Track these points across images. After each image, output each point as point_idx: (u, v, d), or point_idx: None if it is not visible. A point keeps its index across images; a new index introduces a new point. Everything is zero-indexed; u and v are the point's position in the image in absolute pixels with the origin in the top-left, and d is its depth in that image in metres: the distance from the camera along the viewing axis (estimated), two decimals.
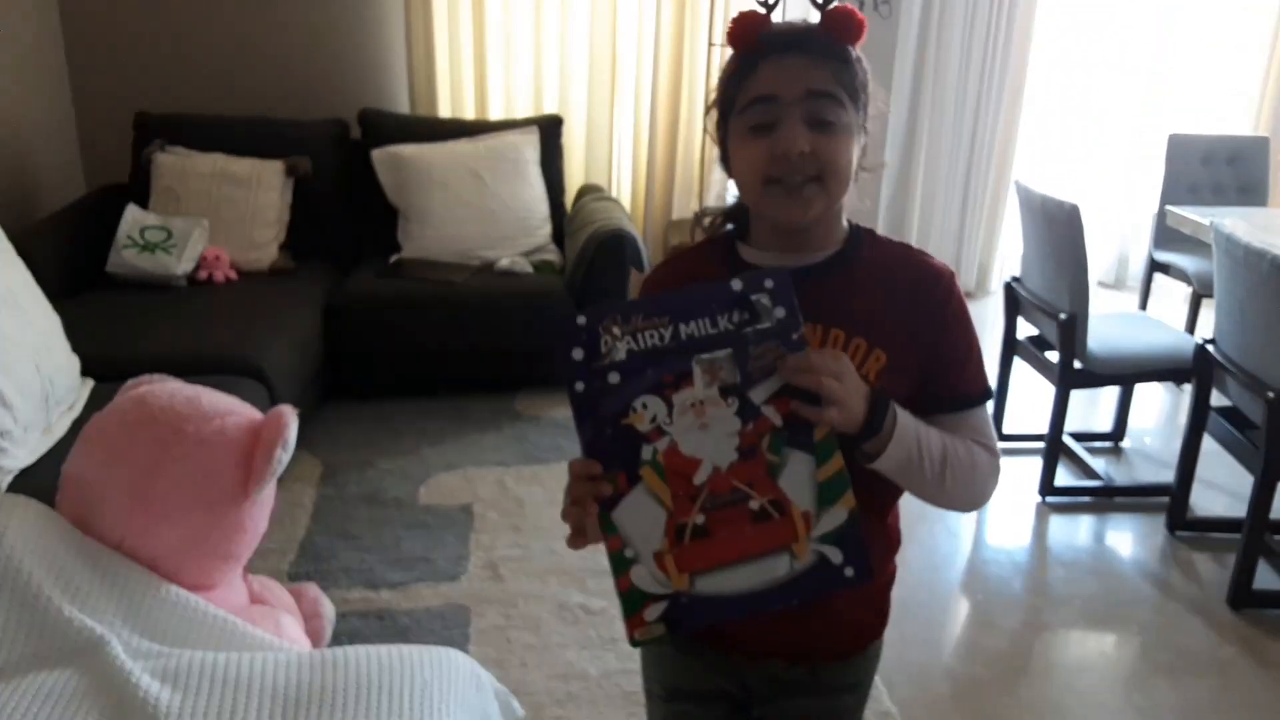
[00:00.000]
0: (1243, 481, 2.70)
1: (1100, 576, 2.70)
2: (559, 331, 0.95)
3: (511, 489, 2.97)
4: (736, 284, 0.95)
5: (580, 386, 0.94)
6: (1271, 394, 2.41)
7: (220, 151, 3.73)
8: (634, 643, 0.99)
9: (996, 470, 1.10)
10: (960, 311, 1.10)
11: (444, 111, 4.27)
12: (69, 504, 1.58)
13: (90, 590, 1.45)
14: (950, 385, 1.09)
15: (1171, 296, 4.94)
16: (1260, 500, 2.48)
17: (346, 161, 3.92)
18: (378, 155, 3.82)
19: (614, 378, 0.94)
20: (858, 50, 1.06)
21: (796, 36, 1.04)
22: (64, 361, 2.38)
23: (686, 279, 1.12)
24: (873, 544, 1.13)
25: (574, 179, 4.34)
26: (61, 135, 4.08)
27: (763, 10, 1.07)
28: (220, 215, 3.63)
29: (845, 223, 1.12)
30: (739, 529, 0.96)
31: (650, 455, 0.95)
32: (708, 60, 4.24)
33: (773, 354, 0.94)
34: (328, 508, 2.84)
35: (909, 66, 4.68)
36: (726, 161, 1.11)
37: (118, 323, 3.04)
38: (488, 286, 3.54)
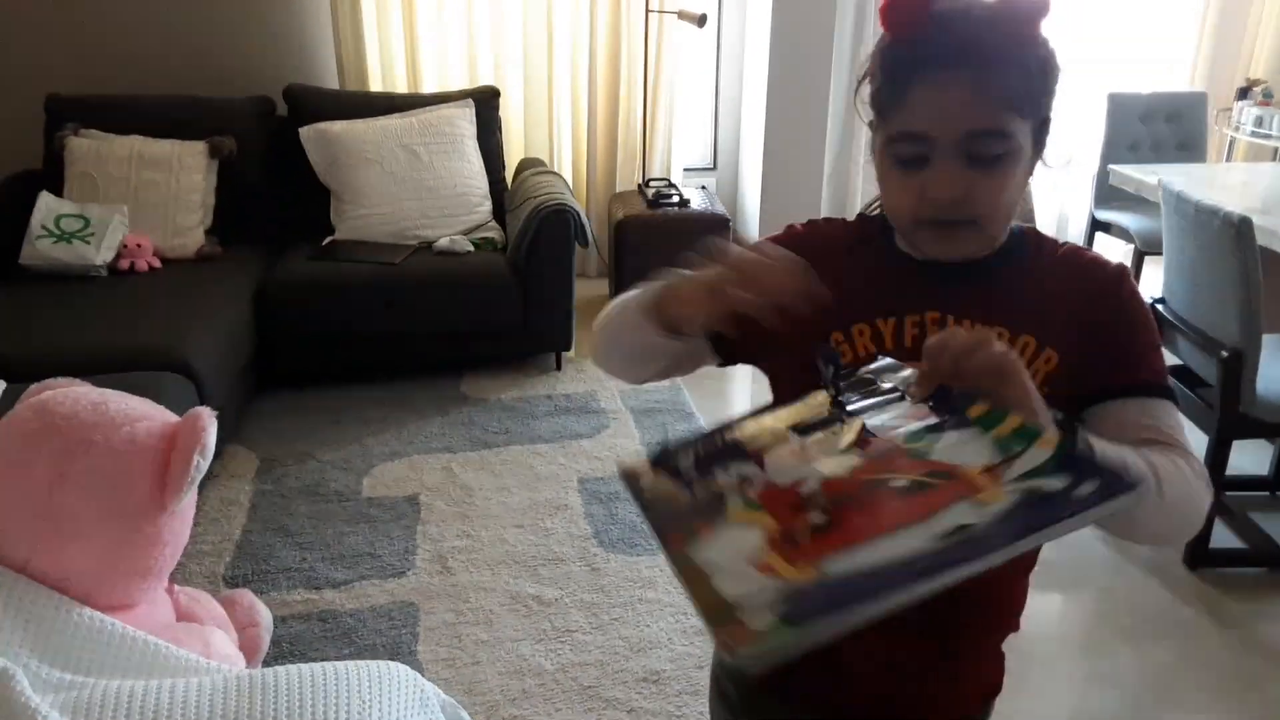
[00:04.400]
0: (1196, 441, 2.68)
1: (1054, 541, 2.67)
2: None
3: (459, 476, 2.86)
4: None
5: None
6: (1225, 352, 2.39)
7: (138, 134, 3.55)
8: (735, 660, 0.62)
9: (1205, 475, 0.91)
10: (1139, 308, 0.98)
11: (375, 85, 4.10)
12: None
13: None
14: (1133, 371, 0.96)
15: (1111, 254, 4.95)
16: (1216, 459, 2.47)
17: (273, 141, 3.75)
18: (305, 133, 3.65)
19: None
20: (1041, 25, 0.90)
21: (962, 45, 0.87)
22: None
23: (828, 249, 1.02)
24: (1014, 598, 1.04)
25: (513, 153, 4.21)
26: None
27: None
28: (141, 201, 3.45)
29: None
30: (884, 505, 0.72)
31: (737, 501, 0.77)
32: (645, 26, 4.11)
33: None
34: (265, 504, 2.72)
35: (847, 38, 4.61)
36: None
37: (31, 318, 2.88)
38: (427, 266, 3.42)
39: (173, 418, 1.61)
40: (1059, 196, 5.32)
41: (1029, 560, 1.02)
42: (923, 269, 0.99)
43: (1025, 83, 0.89)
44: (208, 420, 1.56)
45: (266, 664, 2.01)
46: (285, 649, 2.13)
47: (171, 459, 1.53)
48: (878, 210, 1.04)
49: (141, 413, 1.58)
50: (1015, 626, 1.08)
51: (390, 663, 1.46)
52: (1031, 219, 2.97)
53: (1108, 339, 0.97)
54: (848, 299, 0.98)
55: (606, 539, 2.53)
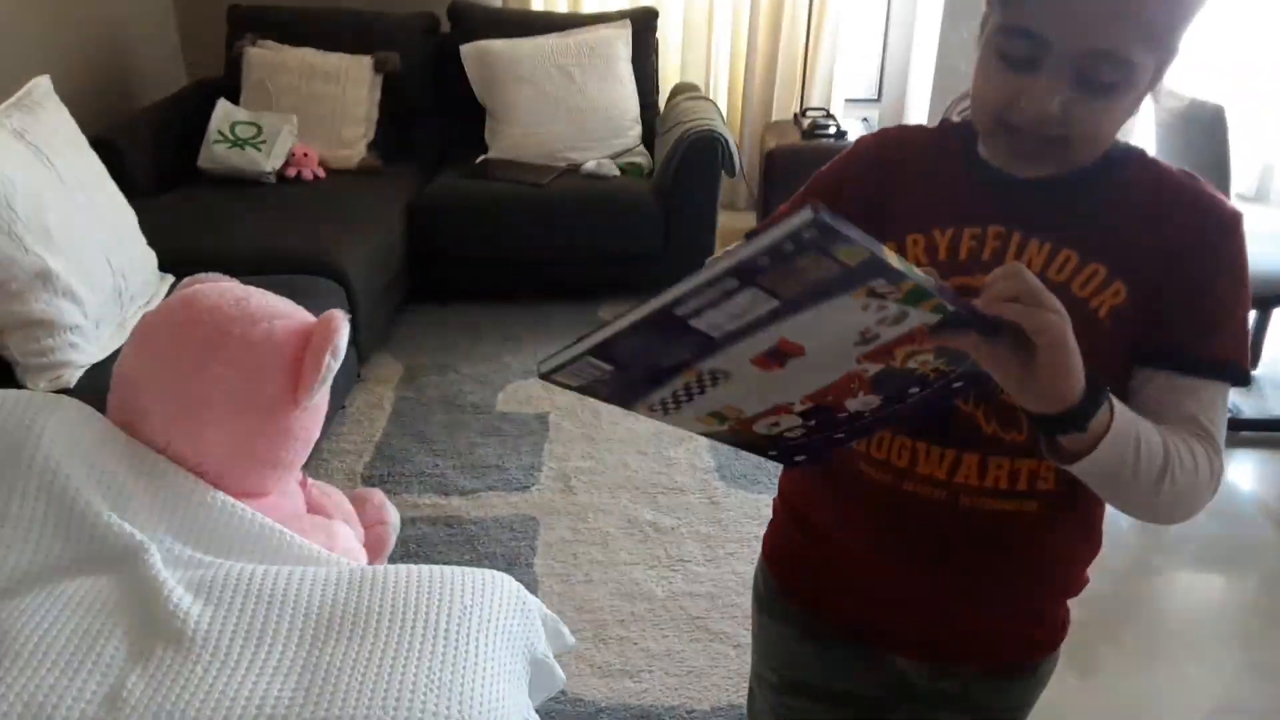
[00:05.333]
0: None
1: (1218, 517, 2.47)
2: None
3: (589, 399, 2.88)
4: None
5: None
6: None
7: (310, 46, 3.66)
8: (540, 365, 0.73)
9: (1219, 477, 0.85)
10: (1238, 263, 0.87)
11: (537, 4, 4.09)
12: (117, 405, 1.56)
13: (132, 495, 1.42)
14: (1199, 342, 0.86)
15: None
16: None
17: (436, 57, 3.80)
18: (467, 50, 3.69)
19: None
20: None
21: None
22: (139, 255, 2.37)
23: (898, 160, 0.97)
24: (1075, 546, 0.99)
25: (668, 77, 4.13)
26: (161, 28, 4.07)
27: None
28: (309, 112, 3.57)
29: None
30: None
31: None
32: None
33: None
34: (406, 410, 2.82)
35: None
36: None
37: (203, 218, 3.04)
38: (573, 189, 3.42)
39: (311, 318, 1.67)
40: (1265, 143, 4.82)
41: (1087, 497, 0.90)
42: (1000, 178, 0.91)
43: (1169, 11, 0.79)
44: (341, 322, 1.60)
45: (391, 560, 2.10)
46: (411, 549, 2.22)
47: (305, 357, 1.59)
48: (964, 113, 0.95)
49: (281, 310, 1.64)
50: (1077, 582, 1.01)
51: (496, 573, 1.49)
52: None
53: (1191, 293, 0.86)
54: (911, 209, 0.93)
55: (729, 473, 2.50)
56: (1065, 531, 0.97)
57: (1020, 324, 0.70)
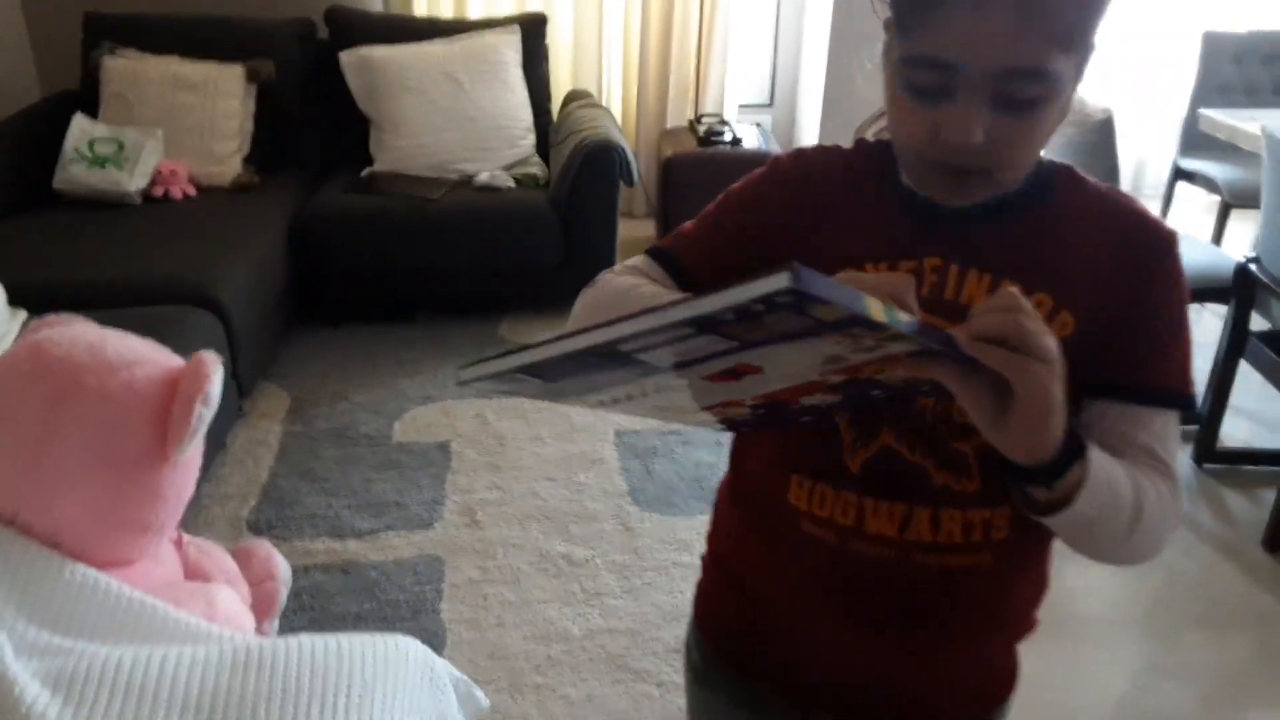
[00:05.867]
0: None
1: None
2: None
3: (492, 424, 2.75)
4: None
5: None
6: None
7: (175, 54, 3.42)
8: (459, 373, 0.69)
9: (1181, 505, 0.82)
10: (1178, 285, 0.83)
11: (419, 9, 3.93)
12: None
13: None
14: (1147, 371, 0.82)
15: (1193, 206, 4.65)
16: None
17: (314, 65, 3.61)
18: (346, 58, 3.50)
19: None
20: None
21: None
22: None
23: (822, 184, 0.90)
24: (1020, 596, 0.92)
25: (560, 85, 4.02)
26: (10, 36, 3.75)
27: None
28: (176, 125, 3.34)
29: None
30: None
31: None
32: None
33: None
34: (294, 446, 2.64)
35: None
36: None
37: (60, 245, 2.80)
38: (466, 202, 3.27)
39: (177, 361, 1.50)
40: (1138, 141, 5.01)
41: (1034, 553, 0.90)
42: (928, 207, 0.84)
43: (1079, 11, 0.73)
44: (211, 367, 1.44)
45: (285, 617, 1.94)
46: (305, 601, 2.05)
47: (173, 407, 1.43)
48: (881, 133, 0.89)
49: (142, 356, 1.46)
50: (1028, 626, 0.95)
51: (400, 638, 1.36)
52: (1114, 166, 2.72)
53: (1136, 319, 0.82)
54: (839, 242, 0.86)
55: (642, 497, 2.40)
56: (1020, 577, 0.91)
57: (1001, 372, 0.63)
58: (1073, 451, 0.69)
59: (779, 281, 0.48)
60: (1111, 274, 0.82)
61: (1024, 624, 0.95)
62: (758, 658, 0.97)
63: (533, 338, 3.26)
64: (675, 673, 1.89)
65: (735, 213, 0.94)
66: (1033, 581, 0.93)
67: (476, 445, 2.65)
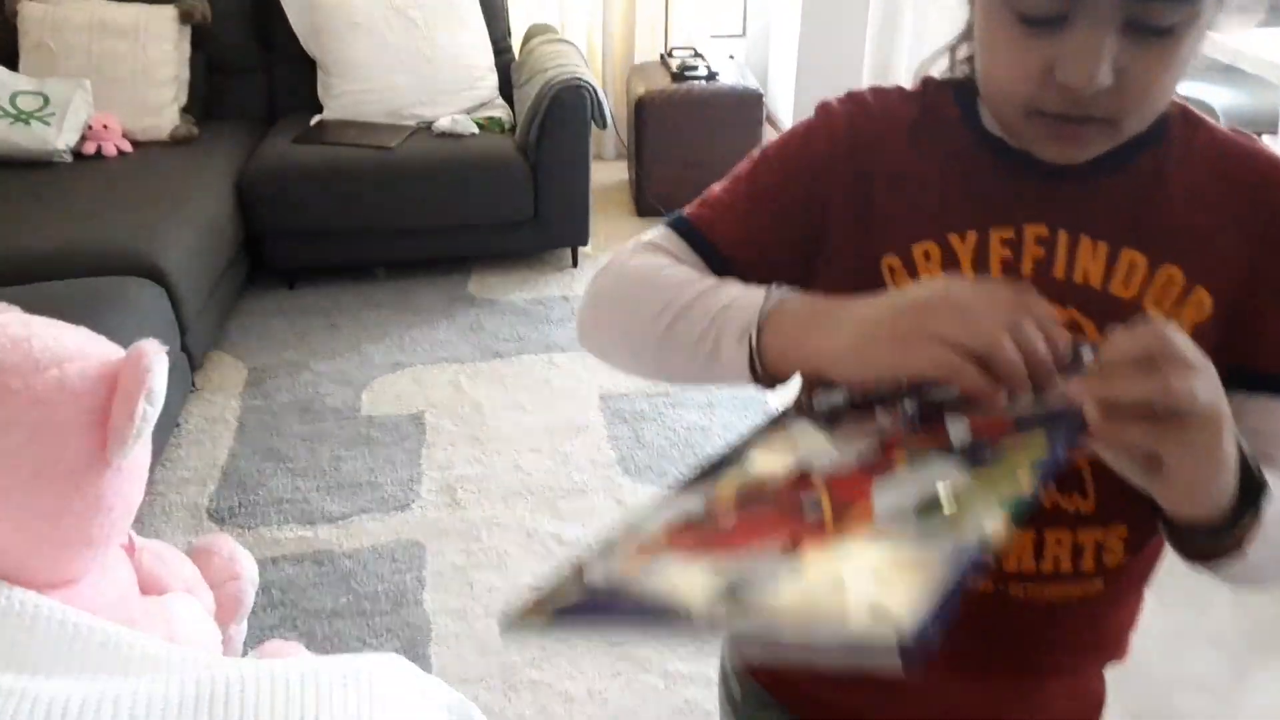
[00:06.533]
0: None
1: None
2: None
3: (467, 391, 2.58)
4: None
5: None
6: None
7: None
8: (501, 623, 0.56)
9: None
10: None
11: None
12: None
13: None
14: None
15: None
16: None
17: (253, 4, 3.33)
18: None
19: None
20: None
21: None
22: None
23: (883, 135, 0.73)
24: (1121, 619, 0.80)
25: (519, 18, 3.76)
26: None
27: None
28: (105, 75, 3.07)
29: None
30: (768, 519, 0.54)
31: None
32: None
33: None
34: (254, 423, 2.45)
35: None
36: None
37: None
38: (427, 151, 3.05)
39: (116, 353, 1.32)
40: None
41: (1143, 575, 0.77)
42: (1026, 161, 0.68)
43: None
44: (154, 358, 1.26)
45: (255, 615, 1.78)
46: (275, 597, 1.89)
47: (113, 406, 1.25)
48: (956, 70, 0.73)
49: (74, 350, 1.27)
50: (1123, 650, 0.82)
51: (385, 657, 1.21)
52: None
53: None
54: (912, 208, 0.70)
55: (632, 466, 2.25)
56: (1128, 602, 0.78)
57: (1155, 452, 0.51)
58: (1249, 503, 0.56)
59: (887, 652, 0.37)
60: (1257, 239, 0.67)
61: (1121, 648, 0.82)
62: (811, 699, 0.84)
63: (505, 294, 3.08)
64: (681, 662, 1.76)
65: (777, 177, 0.76)
66: (1134, 602, 0.80)
67: (452, 415, 2.48)
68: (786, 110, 4.06)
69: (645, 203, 3.55)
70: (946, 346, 0.52)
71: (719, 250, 0.75)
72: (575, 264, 3.25)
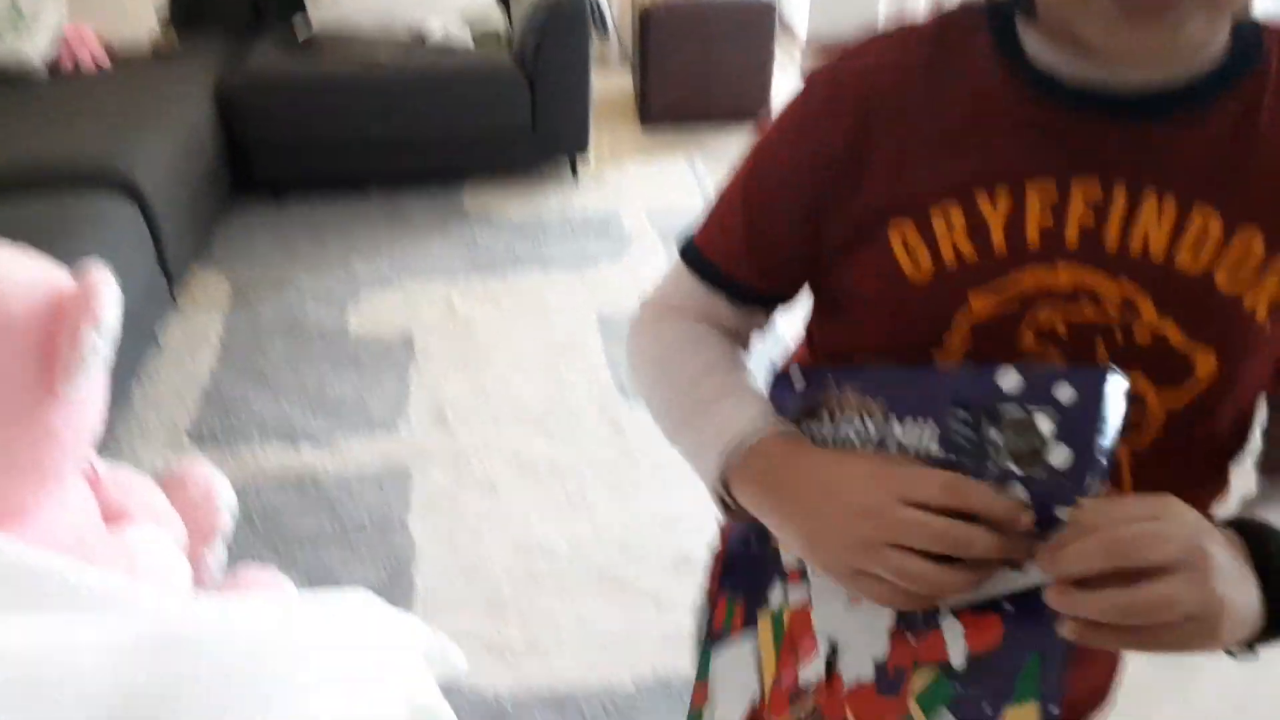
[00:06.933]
0: None
1: None
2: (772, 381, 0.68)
3: (459, 309, 2.50)
4: (1010, 379, 0.53)
5: None
6: None
7: None
8: None
9: None
10: None
11: None
12: None
13: None
14: None
15: None
16: None
17: None
18: None
19: None
20: None
21: None
22: None
23: (890, 87, 0.61)
24: (1106, 674, 0.79)
25: None
26: None
27: None
28: None
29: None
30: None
31: (778, 602, 0.65)
32: None
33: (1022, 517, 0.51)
34: (237, 342, 2.38)
35: None
36: None
37: None
38: (421, 67, 2.89)
39: (64, 280, 1.23)
40: None
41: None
42: (1077, 94, 0.57)
43: None
44: (102, 286, 1.17)
45: (236, 542, 1.73)
46: (257, 525, 1.84)
47: (59, 334, 1.17)
48: None
49: (19, 277, 1.19)
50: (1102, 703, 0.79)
51: (357, 594, 1.16)
52: None
53: None
54: (929, 165, 0.59)
55: (630, 390, 2.18)
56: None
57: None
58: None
59: None
60: None
61: (1102, 699, 0.79)
62: None
63: (501, 209, 2.97)
64: (675, 586, 1.71)
65: (771, 194, 0.68)
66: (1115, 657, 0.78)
67: (443, 335, 2.40)
68: (801, 20, 3.86)
69: (650, 114, 3.40)
70: (884, 584, 0.52)
71: (735, 279, 0.72)
72: (575, 175, 3.12)
